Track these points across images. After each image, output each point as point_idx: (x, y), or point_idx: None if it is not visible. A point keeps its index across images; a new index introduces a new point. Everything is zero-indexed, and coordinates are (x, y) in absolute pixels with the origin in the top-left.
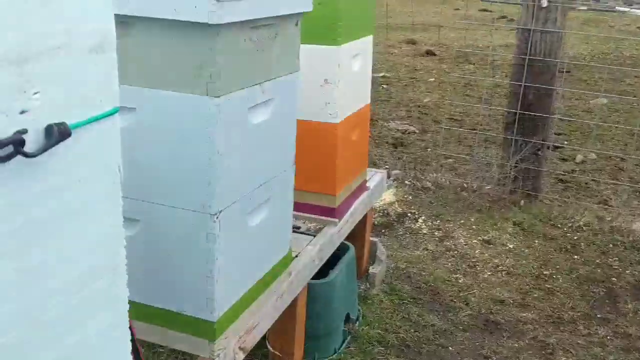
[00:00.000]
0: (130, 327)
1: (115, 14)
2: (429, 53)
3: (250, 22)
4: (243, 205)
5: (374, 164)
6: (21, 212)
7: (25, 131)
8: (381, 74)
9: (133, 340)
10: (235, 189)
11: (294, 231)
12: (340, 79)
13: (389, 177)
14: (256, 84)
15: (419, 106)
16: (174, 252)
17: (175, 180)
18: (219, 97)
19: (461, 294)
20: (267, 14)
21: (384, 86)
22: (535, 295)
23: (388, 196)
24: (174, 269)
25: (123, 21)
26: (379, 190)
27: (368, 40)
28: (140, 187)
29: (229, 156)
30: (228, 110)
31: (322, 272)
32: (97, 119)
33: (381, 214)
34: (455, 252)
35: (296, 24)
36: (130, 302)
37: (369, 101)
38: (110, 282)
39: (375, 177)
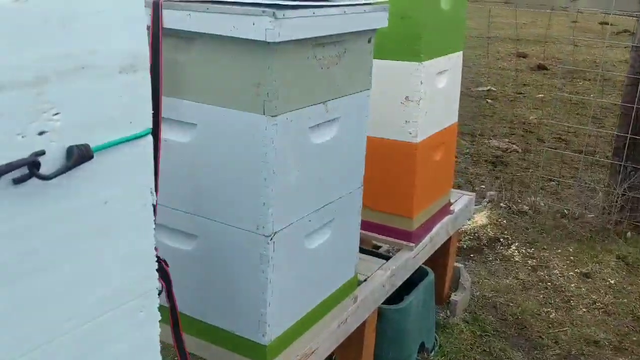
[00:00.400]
0: (181, 338)
1: (178, 30)
2: (541, 67)
3: (314, 39)
4: (301, 227)
5: (469, 183)
6: (39, 233)
7: (42, 153)
8: (486, 88)
9: (183, 351)
10: (292, 211)
11: (370, 252)
12: (422, 96)
13: (483, 197)
14: (320, 103)
15: (524, 123)
16: (229, 271)
17: (231, 198)
18: (275, 116)
19: (551, 331)
20: (332, 31)
21: (489, 101)
22: (634, 338)
23: (480, 218)
24: (228, 287)
25: (186, 37)
26: (466, 214)
27: (456, 56)
28: (199, 203)
29: (286, 176)
30: (286, 129)
31: (398, 297)
32: (123, 141)
33: (471, 237)
34: (549, 283)
35: (369, 41)
36: (183, 315)
37: (456, 120)
38: (139, 306)
39: (462, 200)
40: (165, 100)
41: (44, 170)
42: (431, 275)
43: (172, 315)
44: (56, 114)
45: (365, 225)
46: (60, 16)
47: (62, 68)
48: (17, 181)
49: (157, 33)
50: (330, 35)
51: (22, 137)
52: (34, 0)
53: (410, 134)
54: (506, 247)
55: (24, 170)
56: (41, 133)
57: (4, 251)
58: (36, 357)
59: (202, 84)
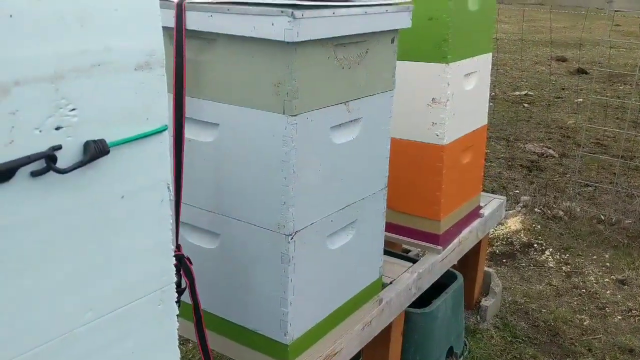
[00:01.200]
0: (204, 335)
1: (200, 31)
2: (580, 71)
3: (334, 39)
4: (323, 227)
5: (503, 188)
6: (56, 225)
7: (59, 147)
8: (524, 92)
9: (206, 349)
10: (313, 210)
11: (397, 255)
12: (449, 98)
13: (517, 202)
14: (341, 103)
15: (561, 128)
16: (251, 270)
17: (252, 197)
18: (295, 115)
19: (584, 338)
20: (353, 31)
21: (525, 105)
22: None
23: (514, 223)
24: (250, 286)
25: (207, 38)
26: (496, 217)
27: (484, 58)
28: (221, 202)
29: (307, 176)
30: (306, 129)
31: (426, 301)
32: (139, 137)
33: (504, 242)
34: (583, 290)
35: (392, 41)
36: (206, 313)
37: (485, 122)
38: (157, 299)
39: (492, 203)
40: (188, 101)
41: (60, 164)
42: (460, 280)
43: (195, 312)
44: (73, 109)
45: (392, 227)
46: (78, 13)
47: (79, 64)
48: (35, 174)
49: (180, 34)
50: (352, 35)
51: (40, 131)
52: None
53: (437, 136)
54: (540, 253)
55: (42, 164)
56: (58, 128)
57: (22, 241)
58: (55, 347)
59: (223, 84)
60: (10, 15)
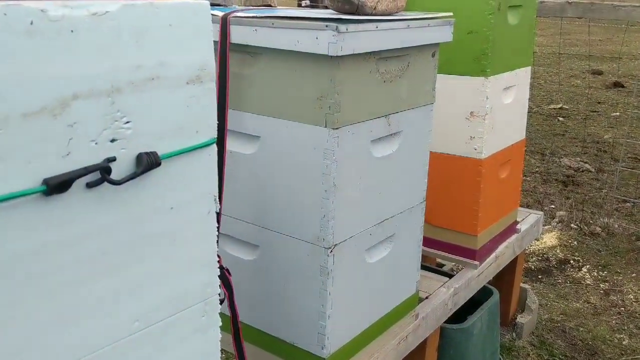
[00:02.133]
0: (242, 347)
1: (244, 45)
2: (617, 85)
3: (377, 53)
4: (361, 240)
5: (538, 203)
6: (109, 235)
7: (113, 159)
8: (558, 106)
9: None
10: (353, 224)
11: (433, 269)
12: (487, 112)
13: (553, 218)
14: (382, 116)
15: (597, 142)
16: (289, 282)
17: (292, 209)
18: (337, 128)
19: (624, 358)
20: (395, 45)
21: (560, 119)
22: None
23: (550, 239)
24: (288, 299)
25: (251, 52)
26: (533, 233)
27: (524, 72)
28: (261, 213)
29: (347, 189)
30: (347, 142)
31: (461, 317)
32: (190, 149)
33: (539, 258)
34: (622, 308)
35: (432, 55)
36: (244, 325)
37: (523, 136)
38: (202, 311)
39: (529, 219)
40: (230, 113)
41: (114, 175)
42: (496, 296)
43: (233, 324)
44: (127, 122)
45: (428, 242)
46: (134, 29)
47: (134, 79)
48: (90, 185)
49: (224, 48)
50: (394, 49)
51: (95, 143)
52: (110, 14)
53: (476, 150)
54: (577, 270)
55: (97, 175)
56: (113, 140)
57: (77, 252)
58: (104, 356)
59: (266, 97)
60: (72, 31)
